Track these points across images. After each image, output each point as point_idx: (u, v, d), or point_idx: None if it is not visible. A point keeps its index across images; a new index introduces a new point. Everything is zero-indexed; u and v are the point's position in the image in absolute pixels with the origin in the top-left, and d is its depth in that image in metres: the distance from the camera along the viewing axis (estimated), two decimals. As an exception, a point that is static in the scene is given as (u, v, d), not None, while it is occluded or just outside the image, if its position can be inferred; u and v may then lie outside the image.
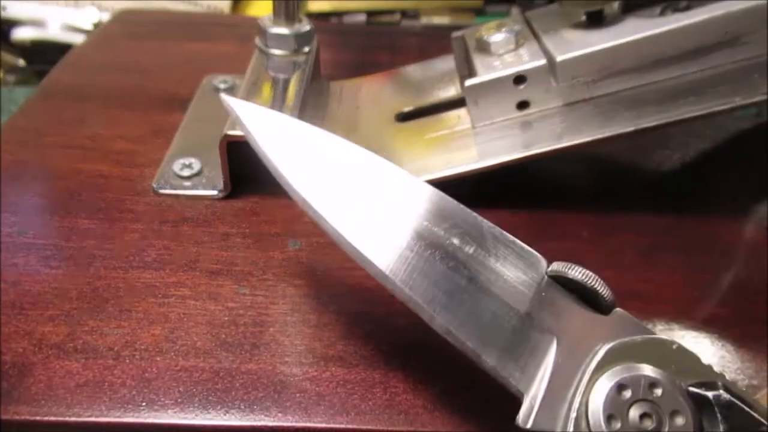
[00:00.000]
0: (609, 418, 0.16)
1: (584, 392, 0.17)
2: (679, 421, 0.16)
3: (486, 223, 0.20)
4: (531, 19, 0.33)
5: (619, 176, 0.36)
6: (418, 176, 0.30)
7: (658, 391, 0.17)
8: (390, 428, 0.22)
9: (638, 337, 0.18)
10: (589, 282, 0.18)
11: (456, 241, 0.20)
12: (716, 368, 0.24)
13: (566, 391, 0.17)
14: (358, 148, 0.22)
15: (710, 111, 0.28)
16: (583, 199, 0.33)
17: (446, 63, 0.38)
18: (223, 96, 0.23)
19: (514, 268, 0.19)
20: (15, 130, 0.35)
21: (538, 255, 0.20)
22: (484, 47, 0.32)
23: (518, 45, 0.31)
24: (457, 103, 0.34)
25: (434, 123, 0.34)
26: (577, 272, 0.19)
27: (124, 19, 0.50)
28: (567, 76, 0.30)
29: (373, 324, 0.25)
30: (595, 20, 0.30)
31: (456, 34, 0.36)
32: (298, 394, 0.22)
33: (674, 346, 0.18)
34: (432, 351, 0.24)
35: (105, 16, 0.59)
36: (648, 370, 0.17)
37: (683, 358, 0.18)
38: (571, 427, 0.16)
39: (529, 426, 0.16)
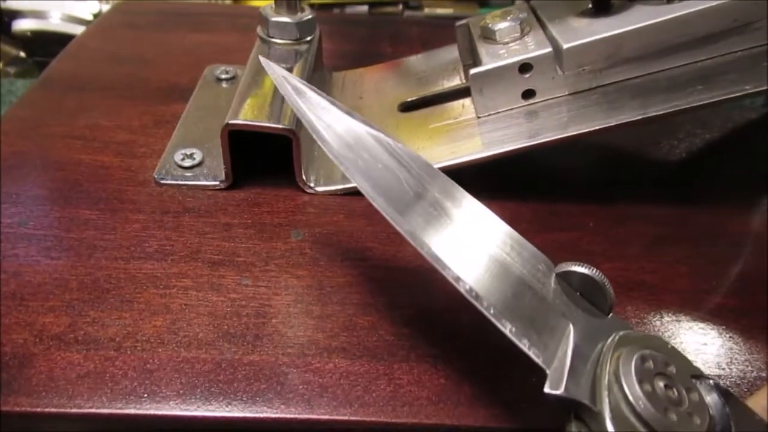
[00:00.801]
0: (641, 382, 0.17)
1: (609, 364, 0.17)
2: (695, 397, 0.17)
3: (504, 225, 0.21)
4: (536, 7, 0.32)
5: (625, 166, 0.36)
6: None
7: (672, 369, 0.17)
8: (394, 420, 0.21)
9: (641, 331, 0.19)
10: (597, 276, 0.19)
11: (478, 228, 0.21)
12: (723, 360, 0.24)
13: (587, 366, 0.18)
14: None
15: (719, 99, 0.27)
16: (588, 190, 0.33)
17: (450, 53, 0.37)
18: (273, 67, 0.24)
19: (527, 262, 0.20)
20: (15, 121, 0.35)
21: (545, 257, 0.21)
22: (489, 35, 0.31)
23: (524, 33, 0.31)
24: (461, 92, 0.34)
25: (438, 113, 0.33)
26: (585, 268, 0.20)
27: (124, 9, 0.50)
28: (573, 65, 0.29)
29: (377, 315, 0.25)
30: (602, 7, 0.30)
31: (460, 22, 0.35)
32: (300, 386, 0.22)
33: (669, 346, 0.19)
34: (436, 342, 0.24)
35: (105, 7, 0.59)
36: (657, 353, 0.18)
37: (677, 354, 0.19)
38: (605, 394, 0.17)
39: (560, 391, 0.17)
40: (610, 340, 0.18)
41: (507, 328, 0.18)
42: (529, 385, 0.22)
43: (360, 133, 0.22)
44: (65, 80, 0.39)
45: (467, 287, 0.19)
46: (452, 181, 0.22)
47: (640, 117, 0.28)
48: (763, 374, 0.24)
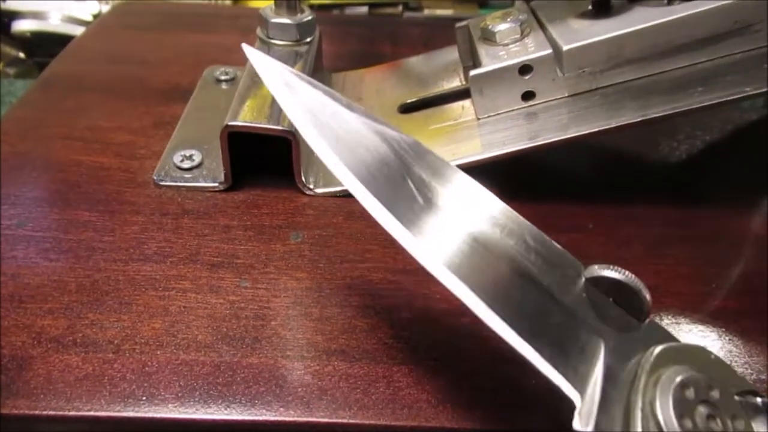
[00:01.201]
0: (680, 417, 0.15)
1: (645, 392, 0.16)
2: (739, 425, 0.16)
3: (522, 219, 0.20)
4: (536, 9, 0.32)
5: (625, 168, 0.36)
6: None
7: (715, 394, 0.16)
8: (393, 423, 0.21)
9: (681, 343, 0.18)
10: (633, 282, 0.18)
11: (498, 231, 0.19)
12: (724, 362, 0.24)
13: (620, 392, 0.16)
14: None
15: (719, 101, 0.27)
16: (589, 191, 0.33)
17: (450, 54, 0.37)
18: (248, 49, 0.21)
19: (554, 266, 0.19)
20: (15, 121, 0.35)
21: (573, 258, 0.19)
22: (488, 37, 0.31)
23: (524, 34, 0.31)
24: (461, 94, 0.34)
25: (438, 114, 0.33)
26: (618, 273, 0.18)
27: (123, 10, 0.49)
28: (573, 66, 0.29)
29: (376, 317, 0.25)
30: (602, 9, 0.30)
31: (460, 24, 0.35)
32: (300, 389, 0.22)
33: (712, 356, 0.17)
34: (436, 345, 0.24)
35: (105, 8, 0.59)
36: (699, 371, 0.16)
37: (721, 366, 0.17)
38: (639, 428, 0.15)
39: (589, 429, 0.15)
40: (645, 357, 0.17)
41: (534, 358, 0.16)
42: (529, 387, 0.22)
43: (369, 136, 0.20)
44: (65, 81, 0.39)
45: (487, 314, 0.16)
46: (471, 179, 0.20)
47: (640, 119, 0.28)
48: (764, 376, 0.24)
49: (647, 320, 0.18)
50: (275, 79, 0.20)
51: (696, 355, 0.17)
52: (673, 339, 0.18)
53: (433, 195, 0.19)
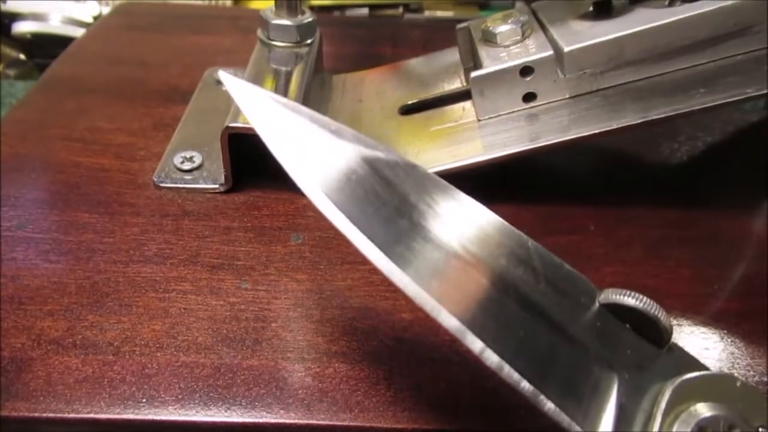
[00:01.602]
0: None
1: None
2: None
3: (532, 242, 0.18)
4: (537, 10, 0.32)
5: (626, 170, 0.35)
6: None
7: None
8: (394, 425, 0.21)
9: (702, 373, 0.16)
10: (651, 310, 0.17)
11: (503, 261, 0.17)
12: (725, 364, 0.24)
13: (633, 429, 0.16)
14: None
15: (721, 102, 0.27)
16: (590, 193, 0.33)
17: (451, 55, 0.37)
18: (225, 76, 0.19)
19: (564, 294, 0.18)
20: (15, 123, 0.35)
21: (587, 279, 0.18)
22: (490, 38, 0.31)
23: (525, 36, 0.31)
24: (462, 95, 0.34)
25: (438, 116, 0.33)
26: (636, 300, 0.17)
27: (124, 11, 0.49)
28: (574, 68, 0.29)
29: (377, 319, 0.25)
30: (603, 10, 0.30)
31: (461, 25, 0.35)
32: (300, 391, 0.22)
33: (738, 383, 0.16)
34: (436, 347, 0.24)
35: (105, 9, 0.59)
36: (720, 409, 0.16)
37: (748, 395, 0.16)
38: None
39: None
40: (662, 392, 0.16)
41: (546, 407, 0.15)
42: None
43: (355, 163, 0.18)
44: (65, 82, 0.39)
45: (496, 362, 0.15)
46: (472, 200, 0.19)
47: (641, 120, 0.28)
48: (765, 378, 0.24)
49: (666, 347, 0.17)
50: (255, 111, 0.18)
51: (719, 385, 0.16)
52: (695, 363, 0.18)
53: (431, 227, 0.17)
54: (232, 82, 0.18)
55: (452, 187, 0.19)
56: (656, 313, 0.17)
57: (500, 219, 0.19)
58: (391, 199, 0.17)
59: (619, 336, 0.17)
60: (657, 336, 0.17)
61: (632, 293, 0.17)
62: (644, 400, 0.16)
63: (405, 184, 0.18)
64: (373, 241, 0.16)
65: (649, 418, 0.16)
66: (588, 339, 0.17)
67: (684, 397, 0.16)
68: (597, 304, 0.18)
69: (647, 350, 0.17)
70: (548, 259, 0.18)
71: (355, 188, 0.17)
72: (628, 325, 0.18)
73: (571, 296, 0.17)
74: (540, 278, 0.17)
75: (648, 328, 0.17)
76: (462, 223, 0.18)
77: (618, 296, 0.17)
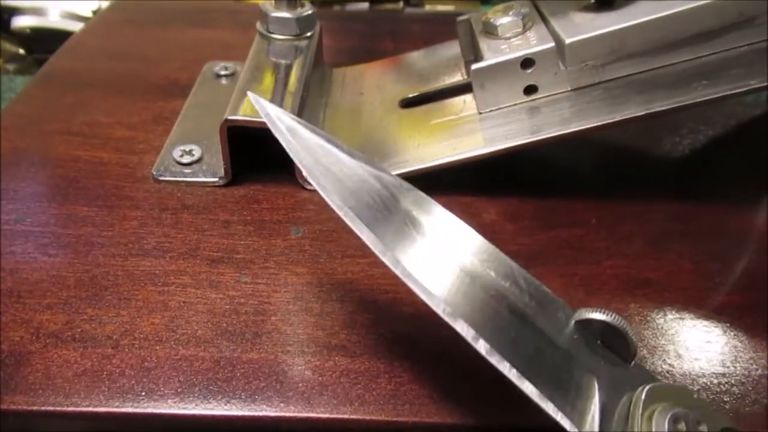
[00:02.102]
0: None
1: (641, 426, 0.17)
2: None
3: (515, 264, 0.21)
4: (538, 2, 0.32)
5: (628, 163, 0.35)
6: (423, 162, 0.30)
7: (704, 429, 0.17)
8: (394, 419, 0.21)
9: (667, 383, 0.20)
10: (619, 324, 0.19)
11: (492, 273, 0.20)
12: (727, 358, 0.24)
13: (617, 426, 0.17)
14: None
15: (724, 95, 0.27)
16: (591, 186, 0.32)
17: (451, 49, 0.37)
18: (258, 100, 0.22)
19: (545, 308, 0.20)
20: (14, 117, 0.35)
21: (563, 301, 0.20)
22: (490, 30, 0.31)
23: (526, 28, 0.30)
24: (462, 88, 0.33)
25: (439, 109, 0.33)
26: (606, 315, 0.19)
27: (123, 6, 0.49)
28: (576, 60, 0.29)
29: (377, 312, 0.25)
30: (605, 2, 0.29)
31: (462, 18, 0.35)
32: (300, 384, 0.22)
33: (694, 395, 0.18)
34: (437, 340, 0.24)
35: (104, 4, 0.59)
36: (688, 408, 0.17)
37: (703, 406, 0.18)
38: None
39: None
40: (636, 394, 0.18)
41: (536, 396, 0.17)
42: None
43: (366, 178, 0.21)
44: (64, 77, 0.39)
45: (487, 348, 0.17)
46: (464, 224, 0.21)
47: (643, 113, 0.28)
48: (767, 372, 0.24)
49: (633, 362, 0.19)
50: (280, 126, 0.21)
51: (680, 394, 0.18)
52: (656, 380, 0.19)
53: (429, 237, 0.20)
54: (260, 103, 0.22)
55: (443, 209, 0.21)
56: (624, 327, 0.19)
57: (487, 241, 0.21)
58: (396, 211, 0.20)
59: (593, 348, 0.19)
60: (624, 351, 0.19)
61: (603, 310, 0.19)
62: (620, 404, 0.18)
63: (406, 200, 0.21)
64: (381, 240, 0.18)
65: (629, 414, 0.17)
66: (569, 347, 0.19)
67: (655, 398, 0.18)
68: (573, 321, 0.20)
69: (618, 363, 0.19)
70: (529, 279, 0.20)
71: (366, 197, 0.20)
72: (599, 341, 0.20)
73: (551, 311, 0.20)
74: (524, 292, 0.20)
75: (616, 345, 0.19)
76: (456, 238, 0.21)
77: (590, 313, 0.19)
